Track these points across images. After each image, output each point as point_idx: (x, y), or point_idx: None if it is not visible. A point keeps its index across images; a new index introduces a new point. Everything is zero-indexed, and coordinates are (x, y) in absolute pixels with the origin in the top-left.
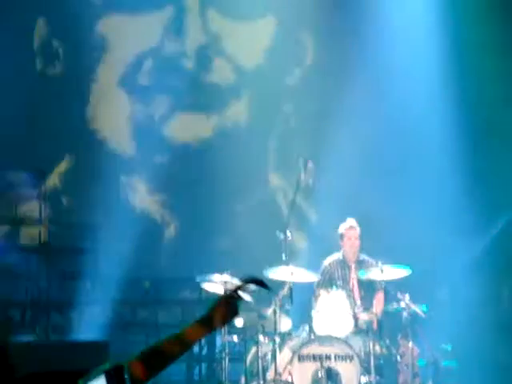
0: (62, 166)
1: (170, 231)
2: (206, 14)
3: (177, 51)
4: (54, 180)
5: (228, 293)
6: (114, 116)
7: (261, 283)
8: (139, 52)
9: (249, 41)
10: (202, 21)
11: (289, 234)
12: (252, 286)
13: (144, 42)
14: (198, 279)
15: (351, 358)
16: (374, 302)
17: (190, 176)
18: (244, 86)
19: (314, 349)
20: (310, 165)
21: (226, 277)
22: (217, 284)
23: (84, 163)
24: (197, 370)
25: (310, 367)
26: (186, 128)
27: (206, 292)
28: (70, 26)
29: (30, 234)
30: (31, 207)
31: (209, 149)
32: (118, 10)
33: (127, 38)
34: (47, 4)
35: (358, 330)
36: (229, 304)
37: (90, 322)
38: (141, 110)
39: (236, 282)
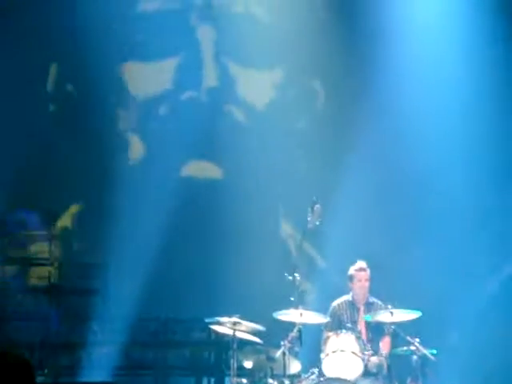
0: (74, 208)
1: (179, 273)
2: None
3: (190, 96)
4: (65, 221)
5: None
6: (129, 160)
7: None
8: (154, 97)
9: (260, 87)
10: (215, 68)
11: (297, 276)
12: None
13: (158, 87)
14: (207, 320)
15: None
16: (381, 345)
17: (200, 218)
18: (255, 131)
19: None
20: (318, 207)
21: (235, 319)
22: (226, 325)
23: (96, 206)
24: None
25: None
26: (197, 171)
27: (215, 333)
28: (85, 71)
29: (39, 275)
30: (41, 248)
31: (219, 192)
32: (133, 58)
33: (143, 84)
34: (60, 49)
35: (368, 373)
36: None
37: (98, 364)
38: (154, 154)
39: (245, 323)
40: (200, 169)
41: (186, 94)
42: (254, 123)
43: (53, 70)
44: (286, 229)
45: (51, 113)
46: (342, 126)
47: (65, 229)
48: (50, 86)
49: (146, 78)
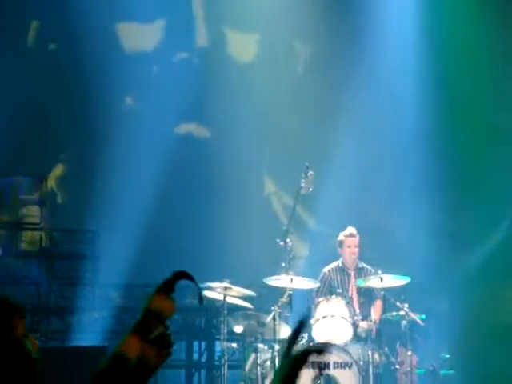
0: (60, 169)
1: (170, 238)
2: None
3: (181, 58)
4: (53, 183)
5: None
6: (121, 119)
7: (187, 276)
8: (145, 58)
9: (248, 48)
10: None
11: (289, 241)
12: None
13: (149, 48)
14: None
15: (350, 366)
16: (373, 309)
17: (188, 180)
18: (243, 91)
19: (313, 356)
20: (311, 173)
21: (225, 284)
22: (217, 291)
23: (84, 167)
24: (196, 377)
25: (309, 375)
26: (186, 130)
27: (206, 299)
28: (70, 30)
29: (30, 239)
30: (31, 212)
31: (208, 152)
32: (123, 18)
33: (132, 44)
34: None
35: (357, 338)
36: (166, 296)
37: (90, 328)
38: (145, 114)
39: (236, 289)
40: (189, 127)
41: (177, 54)
42: (243, 83)
43: (33, 27)
44: (270, 187)
45: (36, 73)
46: (330, 87)
47: (53, 191)
48: (30, 43)
49: (136, 39)
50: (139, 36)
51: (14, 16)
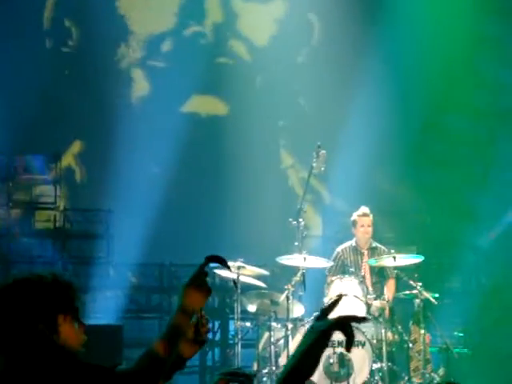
0: (76, 147)
1: (184, 217)
2: None
3: (194, 31)
4: (68, 161)
5: (193, 274)
6: (132, 96)
7: (221, 261)
8: (157, 32)
9: (261, 22)
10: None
11: (301, 220)
12: (214, 264)
13: (162, 22)
14: (211, 265)
15: (363, 345)
16: (386, 288)
17: (203, 156)
18: (257, 65)
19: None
20: (323, 152)
21: (239, 263)
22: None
23: (98, 146)
24: (210, 355)
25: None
26: (201, 107)
27: (220, 278)
28: (83, 7)
29: (44, 218)
30: (46, 191)
31: (222, 128)
32: None
33: (145, 18)
34: None
35: (371, 317)
36: (197, 285)
37: (104, 307)
38: (158, 90)
39: (249, 268)
40: (203, 103)
41: (190, 30)
42: (256, 58)
43: (49, 4)
44: (288, 161)
45: (49, 50)
46: (342, 63)
47: (70, 169)
48: (46, 22)
49: (149, 13)
50: (150, 12)
51: None
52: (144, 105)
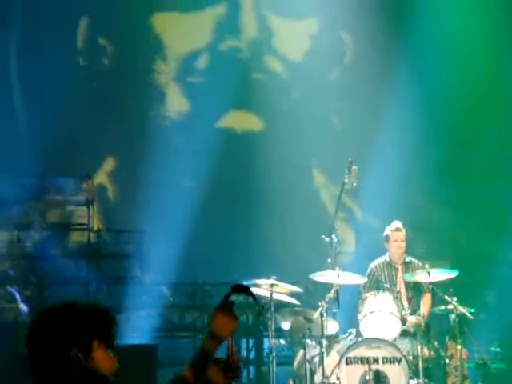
0: (110, 165)
1: (217, 235)
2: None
3: (230, 46)
4: (100, 178)
5: (219, 304)
6: (166, 112)
7: (246, 290)
8: (193, 49)
9: (296, 38)
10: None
11: (334, 237)
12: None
13: (198, 39)
14: (244, 283)
15: (399, 361)
16: (422, 303)
17: (237, 173)
18: (291, 81)
19: (362, 351)
20: (355, 168)
21: (272, 281)
22: (263, 287)
23: (131, 163)
24: (245, 373)
25: (358, 370)
26: (237, 123)
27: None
28: (117, 24)
29: (78, 239)
30: (80, 213)
31: (257, 145)
32: (170, 8)
33: (181, 35)
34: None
35: (406, 333)
36: (225, 311)
37: (138, 326)
38: (194, 105)
39: (282, 285)
40: (239, 119)
41: (225, 44)
42: (291, 74)
43: (82, 23)
44: (320, 179)
45: (82, 68)
46: (374, 80)
47: (102, 187)
48: (80, 40)
49: (185, 29)
50: (185, 28)
51: (64, 14)
52: (179, 121)
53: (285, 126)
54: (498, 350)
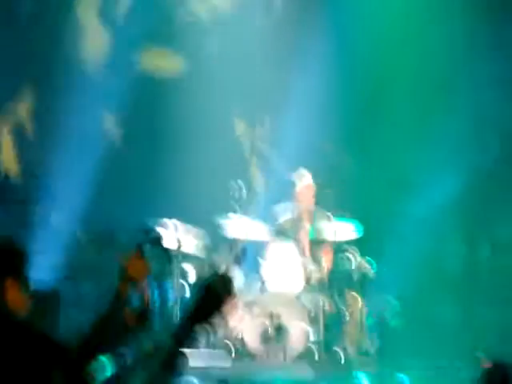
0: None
1: (130, 180)
2: None
3: None
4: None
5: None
6: (89, 47)
7: (159, 243)
8: None
9: None
10: None
11: (241, 183)
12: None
13: None
14: (150, 223)
15: (301, 316)
16: (324, 257)
17: (154, 111)
18: (216, 27)
19: (265, 306)
20: (267, 120)
21: (175, 221)
22: (168, 228)
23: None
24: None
25: (261, 324)
26: (155, 63)
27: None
28: None
29: None
30: None
31: (175, 88)
32: None
33: None
34: None
35: (309, 287)
36: (139, 257)
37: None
38: (115, 42)
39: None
40: (159, 58)
41: None
42: (215, 19)
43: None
44: (240, 127)
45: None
46: (299, 29)
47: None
48: None
49: None
50: None
51: None
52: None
53: (207, 70)
54: (397, 304)
